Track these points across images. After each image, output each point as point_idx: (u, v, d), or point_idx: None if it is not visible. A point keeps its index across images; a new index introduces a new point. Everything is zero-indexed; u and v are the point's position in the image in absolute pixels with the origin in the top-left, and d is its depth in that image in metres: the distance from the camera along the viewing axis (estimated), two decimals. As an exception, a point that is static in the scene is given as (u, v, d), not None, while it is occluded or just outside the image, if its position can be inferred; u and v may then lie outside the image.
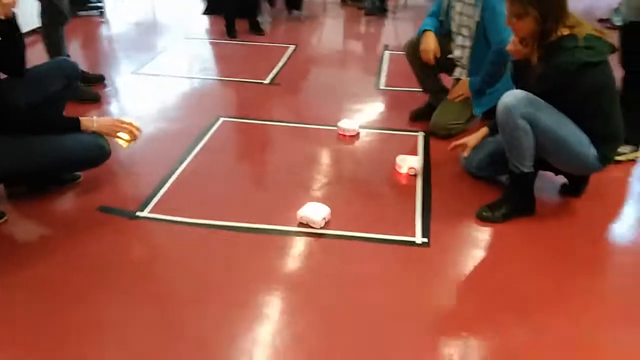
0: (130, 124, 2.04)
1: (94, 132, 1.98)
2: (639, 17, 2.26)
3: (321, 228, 1.96)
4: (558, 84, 1.87)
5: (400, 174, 2.34)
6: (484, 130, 2.16)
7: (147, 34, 4.53)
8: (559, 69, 1.84)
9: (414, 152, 2.56)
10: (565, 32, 1.85)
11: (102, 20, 4.77)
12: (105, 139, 2.02)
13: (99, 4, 4.82)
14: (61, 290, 1.67)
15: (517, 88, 1.98)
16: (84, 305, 1.61)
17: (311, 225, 1.97)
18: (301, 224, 1.99)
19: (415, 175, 2.32)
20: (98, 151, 2.01)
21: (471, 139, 2.17)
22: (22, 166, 1.91)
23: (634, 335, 1.56)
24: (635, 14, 2.27)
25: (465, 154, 2.19)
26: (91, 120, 1.98)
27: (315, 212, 1.99)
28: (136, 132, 2.04)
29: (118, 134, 2.01)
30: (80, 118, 1.97)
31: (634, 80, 2.35)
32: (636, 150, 2.48)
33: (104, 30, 4.57)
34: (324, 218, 1.98)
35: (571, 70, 1.81)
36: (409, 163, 2.34)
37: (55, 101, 2.17)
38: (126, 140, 2.02)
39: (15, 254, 1.82)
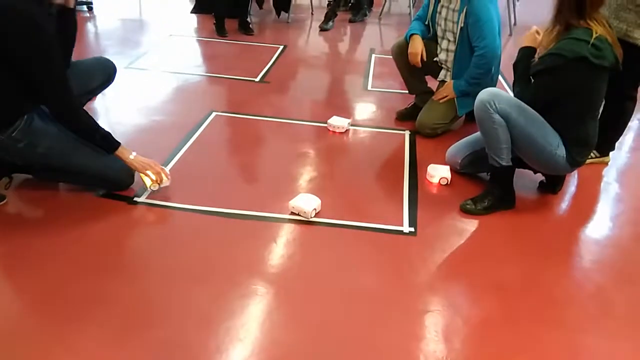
0: (162, 169, 2.12)
1: (124, 162, 2.05)
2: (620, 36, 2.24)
3: (312, 218, 2.05)
4: (551, 65, 1.94)
5: (431, 183, 2.36)
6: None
7: (135, 30, 4.56)
8: (557, 52, 1.92)
9: (401, 149, 2.67)
10: (585, 25, 1.91)
11: (90, 15, 4.78)
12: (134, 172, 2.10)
13: (88, 0, 4.84)
14: (62, 267, 1.72)
15: (514, 76, 2.09)
16: (85, 281, 1.67)
17: (302, 215, 2.05)
18: (292, 214, 2.07)
19: (447, 185, 2.35)
20: (128, 179, 2.11)
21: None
22: (64, 164, 1.99)
23: (600, 313, 1.70)
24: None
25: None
26: (129, 152, 2.06)
27: (306, 202, 2.07)
28: (164, 178, 2.11)
29: (147, 172, 2.08)
30: (121, 145, 2.04)
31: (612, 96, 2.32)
32: (605, 156, 2.63)
33: (92, 26, 4.58)
34: (315, 209, 2.07)
35: (567, 57, 1.89)
36: (441, 173, 2.35)
37: (90, 96, 2.27)
38: (153, 181, 2.09)
39: (16, 234, 1.87)
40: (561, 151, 2.06)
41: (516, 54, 2.16)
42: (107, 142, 2.03)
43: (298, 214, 2.06)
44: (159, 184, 2.11)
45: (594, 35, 1.88)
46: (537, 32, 2.11)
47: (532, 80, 2.04)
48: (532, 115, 2.03)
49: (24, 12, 1.77)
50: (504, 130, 2.02)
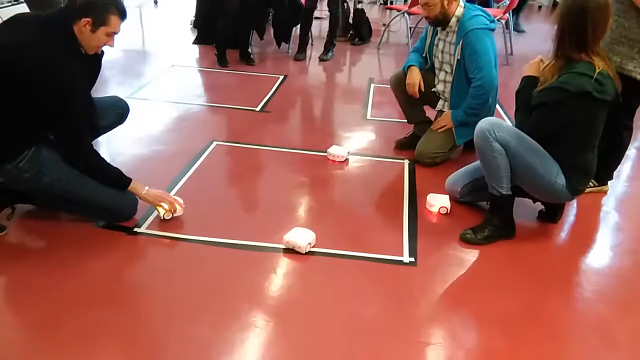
0: (175, 199, 2.15)
1: (137, 197, 2.09)
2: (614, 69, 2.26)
3: (306, 252, 2.02)
4: (554, 99, 1.96)
5: (430, 212, 2.37)
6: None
7: (137, 61, 4.63)
8: (561, 86, 1.93)
9: (400, 178, 2.69)
10: (586, 58, 1.94)
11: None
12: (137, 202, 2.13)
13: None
14: (59, 299, 1.71)
15: (516, 105, 2.12)
16: (85, 313, 1.66)
17: (297, 250, 2.02)
18: (287, 249, 2.04)
19: (446, 214, 2.35)
20: (132, 211, 2.14)
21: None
22: (69, 194, 2.00)
23: (602, 344, 1.68)
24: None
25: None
26: (142, 187, 2.09)
27: (301, 237, 2.04)
28: (178, 208, 2.14)
29: (160, 203, 2.11)
30: (133, 181, 2.07)
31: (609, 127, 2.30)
32: (604, 185, 2.64)
33: (95, 56, 4.66)
34: (310, 243, 2.03)
35: (570, 92, 1.91)
36: (441, 202, 2.36)
37: (100, 133, 2.33)
38: (166, 210, 2.12)
39: (16, 265, 1.86)
40: (561, 179, 2.07)
41: (519, 83, 2.18)
42: (119, 181, 2.06)
43: (292, 249, 2.03)
44: (172, 213, 2.12)
45: (597, 70, 1.91)
46: (542, 61, 2.13)
47: (534, 111, 2.06)
48: (532, 145, 2.05)
49: (64, 73, 1.81)
50: (503, 159, 2.04)
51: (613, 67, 2.02)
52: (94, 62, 2.06)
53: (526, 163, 2.04)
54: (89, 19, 1.86)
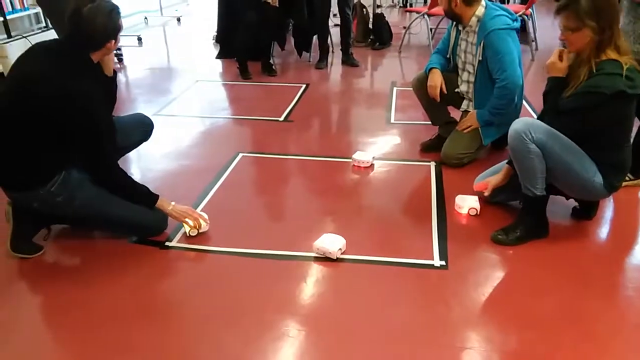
0: (200, 215, 2.18)
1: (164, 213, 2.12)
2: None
3: (337, 257, 2.02)
4: (589, 103, 1.92)
5: (460, 214, 2.34)
6: (506, 170, 2.24)
7: (163, 78, 4.73)
8: (596, 90, 1.89)
9: (427, 181, 2.66)
10: (613, 55, 1.90)
11: (121, 66, 5.00)
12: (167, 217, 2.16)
13: (118, 51, 5.06)
14: (93, 315, 1.75)
15: (544, 104, 2.06)
16: (118, 328, 1.69)
17: (328, 255, 2.03)
18: (318, 256, 2.04)
19: (476, 215, 2.31)
20: (162, 225, 2.17)
21: (493, 179, 2.27)
22: (101, 215, 2.04)
23: (652, 348, 1.62)
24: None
25: (487, 193, 2.28)
26: (169, 203, 2.13)
27: (331, 243, 2.04)
28: (203, 224, 2.17)
29: (186, 220, 2.15)
30: (160, 198, 2.11)
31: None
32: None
33: (123, 76, 4.78)
34: (340, 249, 2.04)
35: (606, 94, 1.86)
36: (470, 203, 2.33)
37: (125, 152, 2.38)
38: (191, 227, 2.15)
39: (51, 283, 1.92)
40: (598, 178, 2.02)
41: (545, 83, 2.12)
42: (146, 198, 2.10)
43: (324, 255, 2.04)
44: (197, 229, 2.15)
45: (625, 67, 1.87)
46: (560, 57, 2.07)
47: (565, 115, 1.99)
48: (568, 144, 2.00)
49: (84, 96, 1.86)
50: (540, 160, 1.99)
51: (632, 58, 1.95)
52: (111, 82, 2.12)
53: (564, 162, 1.99)
54: (113, 40, 1.92)
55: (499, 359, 1.57)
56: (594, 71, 1.91)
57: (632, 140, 2.08)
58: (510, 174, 2.22)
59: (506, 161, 2.26)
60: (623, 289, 1.90)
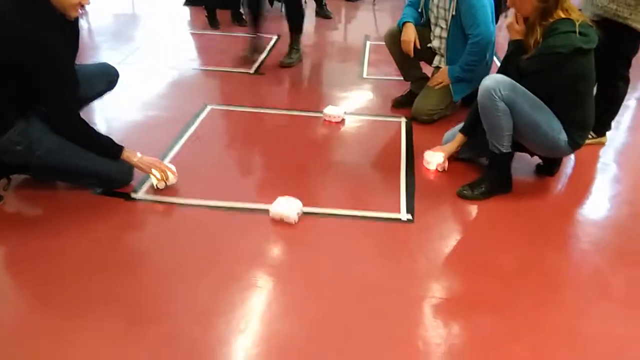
0: (168, 167, 2.12)
1: (130, 164, 2.06)
2: (610, 16, 2.24)
3: (296, 222, 1.96)
4: (549, 64, 1.95)
5: (428, 169, 2.36)
6: (459, 139, 2.31)
7: (127, 25, 4.53)
8: (553, 50, 1.91)
9: (397, 137, 2.67)
10: (563, 15, 1.93)
11: (83, 12, 4.75)
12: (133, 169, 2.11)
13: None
14: (59, 266, 1.73)
15: (506, 68, 2.07)
16: (86, 279, 1.68)
17: (286, 221, 1.95)
18: (274, 220, 1.97)
19: (444, 171, 2.34)
20: (128, 177, 2.12)
21: (447, 147, 2.34)
22: (63, 165, 1.98)
23: (597, 294, 1.71)
24: (600, 11, 2.27)
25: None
26: (135, 154, 2.07)
27: (287, 207, 1.96)
28: (171, 176, 2.11)
29: (153, 171, 2.09)
30: (125, 149, 2.04)
31: (604, 78, 2.34)
32: (602, 137, 2.63)
33: (85, 22, 4.55)
34: (298, 212, 1.97)
35: (564, 53, 1.90)
36: (437, 160, 2.33)
37: (89, 102, 2.28)
38: (158, 179, 2.10)
39: (15, 234, 1.87)
40: (563, 136, 2.07)
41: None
42: (111, 150, 2.04)
43: (281, 220, 1.97)
44: (165, 182, 2.11)
45: (577, 24, 1.90)
46: (517, 22, 2.06)
47: (527, 78, 2.00)
48: (536, 101, 2.03)
49: (43, 42, 1.77)
50: (507, 118, 2.01)
51: (582, 14, 1.98)
52: (73, 27, 2.01)
53: (531, 120, 2.02)
54: None
55: (460, 308, 1.63)
56: (549, 32, 1.93)
57: (592, 98, 2.11)
58: (464, 142, 2.29)
59: (459, 128, 2.30)
60: (579, 243, 1.98)
